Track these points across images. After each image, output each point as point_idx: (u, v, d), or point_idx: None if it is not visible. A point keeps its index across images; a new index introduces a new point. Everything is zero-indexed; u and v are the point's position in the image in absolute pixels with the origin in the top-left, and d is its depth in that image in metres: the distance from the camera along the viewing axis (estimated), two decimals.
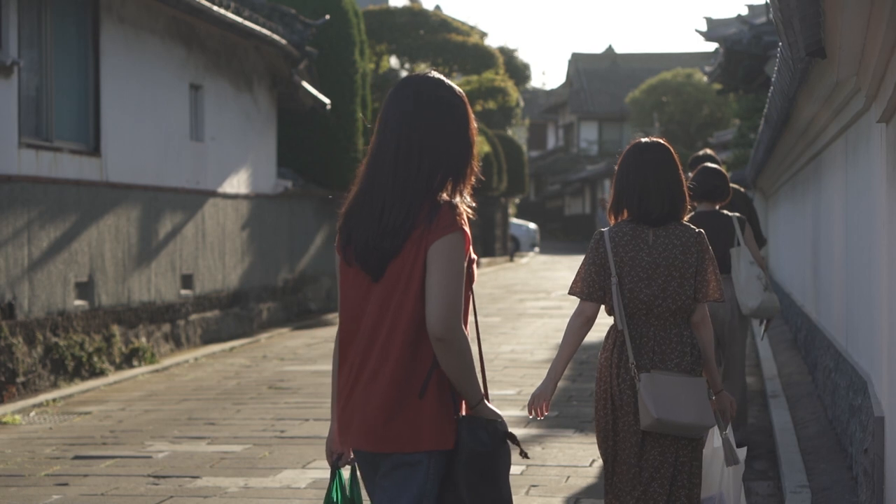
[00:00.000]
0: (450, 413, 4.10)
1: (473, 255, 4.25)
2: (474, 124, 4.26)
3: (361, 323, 4.14)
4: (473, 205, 4.25)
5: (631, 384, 5.62)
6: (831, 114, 10.06)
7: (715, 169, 9.79)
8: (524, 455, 4.36)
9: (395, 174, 4.12)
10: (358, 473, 4.35)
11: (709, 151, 11.29)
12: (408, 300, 4.06)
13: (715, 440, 5.82)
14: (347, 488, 4.36)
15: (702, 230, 5.80)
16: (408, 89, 4.19)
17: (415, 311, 4.05)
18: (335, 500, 4.32)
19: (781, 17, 5.65)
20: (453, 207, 4.10)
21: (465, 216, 4.13)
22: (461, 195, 4.19)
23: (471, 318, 4.30)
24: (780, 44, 8.64)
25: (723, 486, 5.82)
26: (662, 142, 5.85)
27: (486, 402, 4.17)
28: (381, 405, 4.07)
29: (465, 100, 4.26)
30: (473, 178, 4.25)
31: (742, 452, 5.87)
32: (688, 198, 5.80)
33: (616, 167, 5.87)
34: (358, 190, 4.23)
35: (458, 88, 4.26)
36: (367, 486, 4.25)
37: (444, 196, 4.13)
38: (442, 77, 4.24)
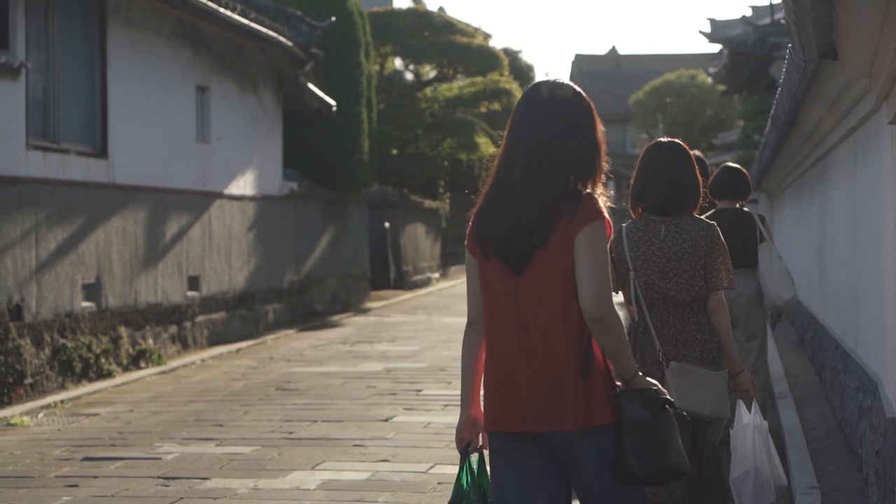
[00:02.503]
0: (609, 388, 4.34)
1: None
2: (601, 126, 4.51)
3: (509, 313, 4.36)
4: (610, 194, 4.49)
5: (658, 369, 5.91)
6: (839, 115, 10.05)
7: (735, 168, 9.87)
8: (686, 418, 4.80)
9: (526, 173, 4.36)
10: (485, 460, 4.55)
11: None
12: (560, 287, 4.29)
13: (744, 417, 6.03)
14: (476, 474, 4.55)
15: (714, 223, 6.12)
16: (539, 94, 4.46)
17: (567, 297, 4.29)
18: (464, 485, 4.53)
19: (795, 19, 5.66)
20: (593, 197, 4.35)
21: (604, 205, 4.37)
22: (594, 190, 4.42)
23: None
24: (790, 45, 8.65)
25: (756, 459, 5.99)
26: (676, 141, 6.19)
27: (639, 373, 4.40)
28: (550, 388, 4.29)
29: (591, 103, 4.52)
30: (603, 176, 4.48)
31: (765, 425, 6.14)
32: (697, 193, 6.16)
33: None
34: (490, 190, 4.48)
35: (584, 93, 4.51)
36: (516, 466, 4.40)
37: (583, 189, 4.38)
38: (570, 83, 4.50)
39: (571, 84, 4.50)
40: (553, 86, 4.48)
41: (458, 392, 13.35)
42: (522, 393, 4.33)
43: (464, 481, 4.54)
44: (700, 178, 6.26)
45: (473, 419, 4.56)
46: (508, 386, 4.36)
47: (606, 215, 4.33)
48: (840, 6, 5.35)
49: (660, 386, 4.42)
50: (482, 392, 4.53)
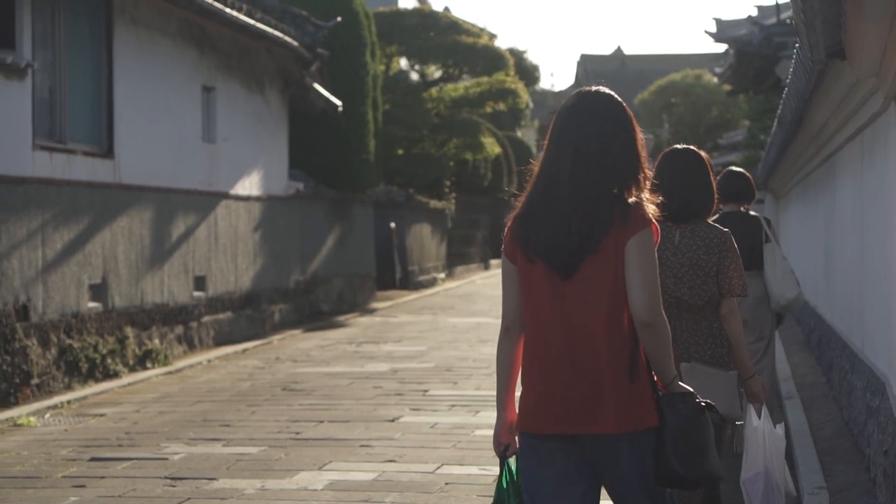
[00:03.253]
0: (652, 392, 4.46)
1: None
2: (641, 136, 4.59)
3: (554, 316, 4.45)
4: (658, 201, 4.61)
5: None
6: (847, 115, 10.05)
7: (739, 172, 9.95)
8: (723, 429, 4.91)
9: (572, 183, 4.46)
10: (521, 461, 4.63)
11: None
12: (609, 293, 4.41)
13: (753, 419, 6.09)
14: (515, 475, 4.63)
15: (727, 230, 6.22)
16: (582, 104, 4.57)
17: (616, 302, 4.41)
18: (504, 486, 4.62)
19: (804, 19, 5.66)
20: (641, 206, 4.48)
21: (652, 212, 4.49)
22: (637, 197, 4.52)
23: None
24: (798, 45, 8.64)
25: (766, 461, 6.03)
26: (691, 148, 6.31)
27: (677, 379, 4.54)
28: (597, 391, 4.39)
29: (632, 114, 4.62)
30: (647, 183, 4.59)
31: (780, 428, 6.16)
32: (711, 200, 6.17)
33: None
34: (533, 197, 4.56)
35: (624, 103, 4.62)
36: (554, 466, 4.48)
37: (629, 197, 4.49)
38: (612, 92, 4.61)
39: (611, 93, 4.61)
40: (595, 95, 4.59)
41: (465, 392, 13.39)
42: (568, 395, 4.42)
43: (504, 482, 4.65)
44: (714, 184, 6.30)
45: (510, 422, 4.65)
46: (553, 388, 4.45)
47: (655, 222, 4.46)
48: (848, 6, 5.35)
49: (693, 391, 4.54)
50: (519, 392, 4.61)
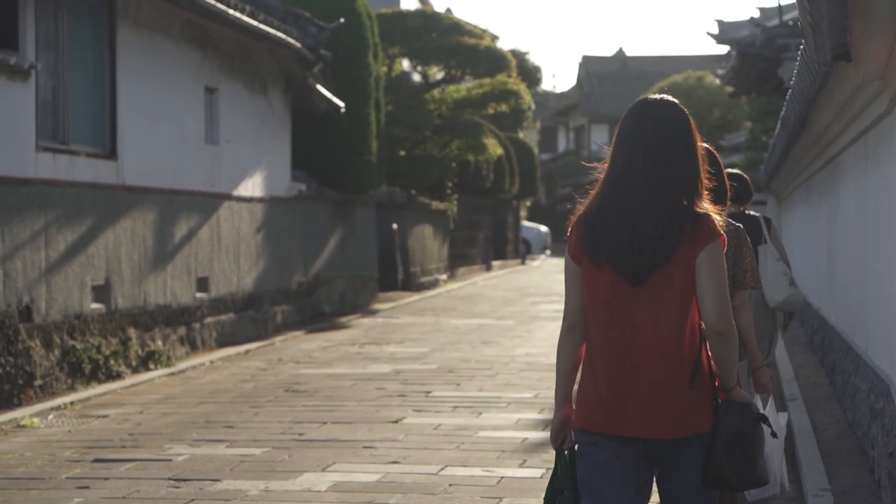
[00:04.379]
0: (711, 398, 4.62)
1: None
2: (701, 143, 4.75)
3: (622, 322, 4.59)
4: (722, 210, 4.73)
5: None
6: (851, 117, 10.05)
7: (735, 173, 9.93)
8: (774, 435, 5.12)
9: (643, 192, 4.60)
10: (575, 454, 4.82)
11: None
12: (678, 301, 4.56)
13: (760, 408, 6.12)
14: (570, 469, 4.81)
15: (740, 225, 6.55)
16: (648, 113, 4.70)
17: (684, 311, 4.57)
18: (559, 476, 4.82)
19: (811, 21, 5.66)
20: (710, 217, 4.60)
21: (719, 222, 4.63)
22: (705, 205, 4.66)
23: None
24: (802, 47, 8.65)
25: (768, 449, 6.10)
26: (704, 146, 6.31)
27: (738, 387, 4.69)
28: (663, 396, 4.55)
29: (692, 121, 4.74)
30: (707, 190, 4.72)
31: (783, 417, 6.18)
32: (724, 196, 6.31)
33: None
34: (602, 203, 4.68)
35: (686, 110, 4.74)
36: (611, 465, 4.65)
37: (699, 208, 4.63)
38: (675, 100, 4.74)
39: (675, 101, 4.74)
40: (660, 103, 4.72)
41: (467, 394, 13.43)
42: (632, 399, 4.57)
43: (559, 475, 4.83)
44: (728, 181, 6.35)
45: (567, 418, 4.81)
46: (617, 391, 4.60)
47: (723, 233, 4.60)
48: (855, 9, 5.35)
49: (752, 400, 4.74)
50: (579, 391, 4.75)
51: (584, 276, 4.68)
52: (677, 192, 4.60)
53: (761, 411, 5.84)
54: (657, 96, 4.76)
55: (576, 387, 4.83)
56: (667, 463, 4.63)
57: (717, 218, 4.61)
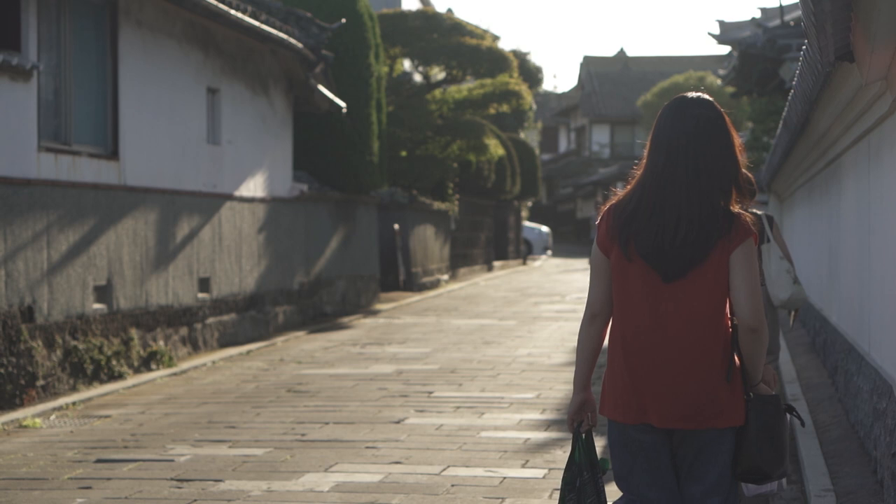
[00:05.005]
0: (743, 393, 4.77)
1: None
2: (738, 140, 4.84)
3: (653, 316, 4.71)
4: (755, 212, 4.92)
5: None
6: (853, 118, 10.05)
7: None
8: (802, 423, 5.29)
9: (687, 191, 4.70)
10: (593, 438, 5.06)
11: None
12: (712, 298, 4.69)
13: None
14: (587, 451, 5.00)
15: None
16: (688, 111, 4.79)
17: (717, 307, 4.70)
18: (577, 459, 5.00)
19: (815, 22, 5.66)
20: (743, 217, 4.74)
21: (751, 222, 4.77)
22: (737, 204, 4.79)
23: None
24: (804, 48, 8.64)
25: None
26: None
27: (762, 382, 4.87)
28: (696, 389, 4.69)
29: (728, 119, 4.84)
30: (747, 185, 4.87)
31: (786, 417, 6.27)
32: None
33: None
34: (640, 198, 4.78)
35: (722, 109, 4.84)
36: (646, 455, 4.83)
37: (732, 207, 4.76)
38: (711, 98, 4.85)
39: (711, 99, 4.83)
40: (700, 102, 4.81)
41: (470, 394, 13.44)
42: (667, 391, 4.71)
43: (577, 457, 5.00)
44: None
45: (585, 402, 4.98)
46: (649, 383, 4.73)
47: (755, 232, 4.74)
48: (858, 9, 5.36)
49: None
50: (606, 381, 4.90)
51: (614, 267, 4.80)
52: (716, 192, 4.71)
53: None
54: (695, 94, 4.85)
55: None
56: (693, 454, 4.78)
57: (748, 217, 4.74)
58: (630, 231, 4.74)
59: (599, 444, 5.35)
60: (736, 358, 4.73)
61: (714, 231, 4.66)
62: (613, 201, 4.87)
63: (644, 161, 4.84)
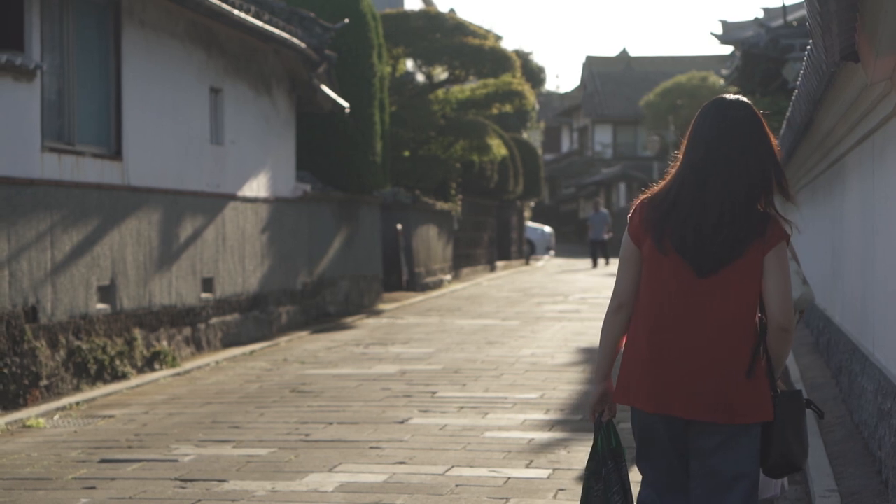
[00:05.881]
0: (769, 389, 4.87)
1: None
2: (776, 142, 4.93)
3: (683, 308, 4.82)
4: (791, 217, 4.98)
5: None
6: (857, 118, 10.04)
7: None
8: (821, 416, 5.27)
9: (728, 189, 4.80)
10: (615, 426, 5.18)
11: None
12: (742, 297, 4.80)
13: None
14: (611, 440, 5.11)
15: None
16: (728, 113, 4.88)
17: (749, 305, 4.81)
18: (600, 449, 5.10)
19: (820, 22, 5.66)
20: (779, 219, 4.87)
21: (786, 225, 4.90)
22: (772, 205, 4.90)
23: None
24: (809, 48, 8.64)
25: None
26: None
27: (779, 380, 4.98)
28: (720, 383, 4.79)
29: (765, 122, 4.94)
30: (788, 184, 4.97)
31: None
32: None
33: None
34: (678, 195, 4.87)
35: (759, 113, 4.93)
36: (664, 447, 4.95)
37: (769, 209, 4.88)
38: (748, 101, 4.94)
39: (749, 102, 4.93)
40: (740, 105, 4.91)
41: (473, 394, 13.44)
42: (693, 384, 4.81)
43: (599, 447, 5.10)
44: None
45: (606, 392, 5.08)
46: (676, 375, 4.83)
47: (789, 234, 4.89)
48: (864, 9, 5.35)
49: None
50: (630, 370, 4.97)
51: (645, 259, 4.90)
52: (756, 193, 4.82)
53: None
54: (733, 97, 4.94)
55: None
56: (710, 447, 4.87)
57: (784, 220, 4.88)
58: (667, 225, 4.85)
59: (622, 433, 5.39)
60: (762, 355, 4.83)
61: (751, 231, 4.78)
62: (647, 195, 4.96)
63: (680, 158, 4.95)
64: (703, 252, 4.80)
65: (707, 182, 4.82)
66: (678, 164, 4.95)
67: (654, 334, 4.86)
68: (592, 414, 5.15)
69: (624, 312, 4.98)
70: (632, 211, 4.99)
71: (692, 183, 4.85)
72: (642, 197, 4.98)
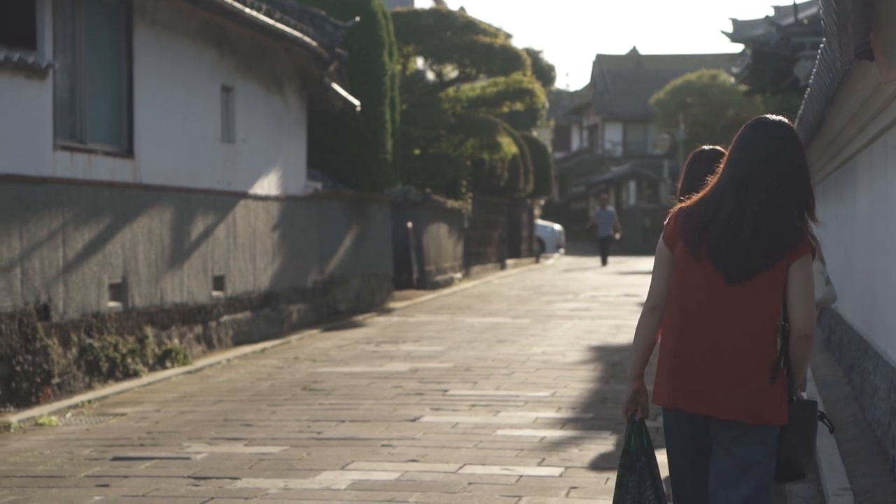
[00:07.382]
0: (787, 395, 5.06)
1: None
2: (808, 161, 5.20)
3: (712, 312, 5.05)
4: (816, 225, 5.26)
5: None
6: (870, 116, 10.03)
7: None
8: (832, 429, 5.58)
9: (768, 205, 5.04)
10: (646, 425, 5.40)
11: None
12: (768, 306, 5.02)
13: None
14: (643, 438, 5.32)
15: None
16: (771, 132, 5.13)
17: (772, 314, 5.03)
18: (632, 448, 5.31)
19: (836, 21, 5.65)
20: (807, 233, 5.09)
21: (811, 238, 5.11)
22: (805, 223, 5.12)
23: None
24: (823, 46, 8.63)
25: None
26: (717, 149, 6.49)
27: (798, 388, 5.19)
28: (745, 387, 5.00)
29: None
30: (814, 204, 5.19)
31: None
32: None
33: None
34: (718, 206, 5.11)
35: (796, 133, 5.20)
36: (689, 443, 5.20)
37: (801, 225, 5.10)
38: (787, 121, 5.20)
39: (789, 122, 5.18)
40: (782, 126, 5.15)
41: (485, 392, 13.46)
42: (715, 385, 5.03)
43: (632, 445, 5.31)
44: None
45: (638, 391, 5.34)
46: (702, 375, 5.05)
47: (814, 247, 5.07)
48: (882, 8, 5.35)
49: None
50: (660, 372, 5.21)
51: (678, 262, 5.14)
52: (792, 210, 5.06)
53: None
54: (775, 117, 5.19)
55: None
56: (727, 439, 5.06)
57: (810, 234, 5.11)
58: (705, 233, 5.09)
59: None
60: (783, 362, 5.04)
61: (784, 244, 5.01)
62: (685, 205, 5.21)
63: (720, 172, 5.19)
64: (736, 262, 5.03)
65: (747, 197, 5.05)
66: (718, 177, 5.18)
67: (682, 336, 5.10)
68: (625, 413, 5.37)
69: (657, 314, 5.22)
70: (668, 218, 5.24)
71: (732, 196, 5.08)
72: (679, 206, 5.24)
